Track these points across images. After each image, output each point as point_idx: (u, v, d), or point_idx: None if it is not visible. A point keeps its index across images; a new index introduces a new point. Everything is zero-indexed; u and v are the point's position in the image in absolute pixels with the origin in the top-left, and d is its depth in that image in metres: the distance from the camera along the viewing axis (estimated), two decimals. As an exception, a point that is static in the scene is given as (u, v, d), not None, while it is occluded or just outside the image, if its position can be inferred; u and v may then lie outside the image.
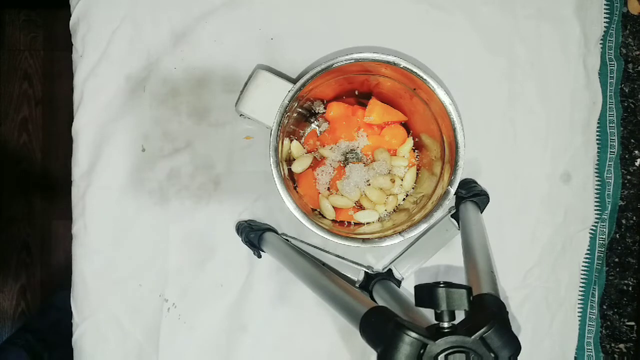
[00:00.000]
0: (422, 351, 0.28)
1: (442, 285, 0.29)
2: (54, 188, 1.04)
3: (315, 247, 0.53)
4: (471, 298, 0.29)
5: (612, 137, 0.56)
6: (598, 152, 0.56)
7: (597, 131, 0.56)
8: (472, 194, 0.50)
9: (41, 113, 1.04)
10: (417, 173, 0.52)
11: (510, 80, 0.55)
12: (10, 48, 1.04)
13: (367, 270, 0.52)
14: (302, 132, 0.53)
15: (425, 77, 0.45)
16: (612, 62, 0.56)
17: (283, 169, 0.47)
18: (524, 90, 0.55)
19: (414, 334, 0.28)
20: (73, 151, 0.54)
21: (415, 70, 0.45)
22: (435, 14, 0.55)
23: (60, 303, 0.87)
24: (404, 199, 0.52)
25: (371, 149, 0.51)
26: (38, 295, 1.04)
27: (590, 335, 0.56)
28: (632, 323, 0.58)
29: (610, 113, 0.56)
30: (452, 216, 0.52)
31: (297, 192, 0.51)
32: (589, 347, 0.56)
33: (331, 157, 0.51)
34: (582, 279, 0.55)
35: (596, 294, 0.56)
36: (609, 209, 0.56)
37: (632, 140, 0.58)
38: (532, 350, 0.55)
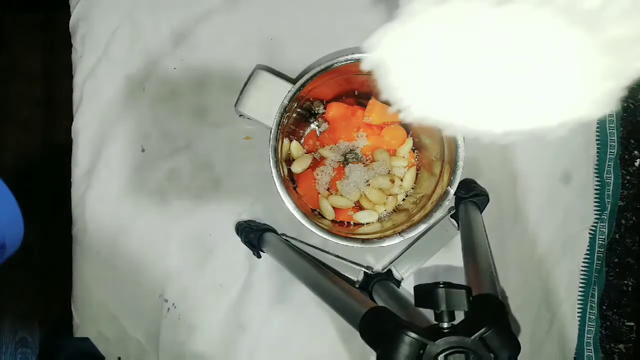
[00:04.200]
0: (421, 351, 0.28)
1: (441, 285, 0.29)
2: (53, 188, 1.04)
3: (314, 247, 0.53)
4: (471, 298, 0.29)
5: (611, 137, 0.56)
6: (598, 152, 0.56)
7: (597, 131, 0.56)
8: (472, 194, 0.50)
9: (41, 113, 1.04)
10: (416, 173, 0.52)
11: (510, 80, 0.55)
12: (10, 48, 1.04)
13: (366, 271, 0.52)
14: (301, 132, 0.53)
15: (425, 77, 0.45)
16: (612, 62, 0.56)
17: (283, 169, 0.47)
18: (524, 91, 0.55)
19: (413, 334, 0.28)
20: (73, 151, 0.54)
21: (415, 70, 0.45)
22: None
23: None
24: (404, 199, 0.52)
25: (371, 149, 0.51)
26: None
27: (590, 335, 0.56)
28: (632, 323, 0.57)
29: (610, 113, 0.56)
30: (451, 216, 0.52)
31: (296, 192, 0.51)
32: (588, 347, 0.56)
33: (331, 158, 0.51)
34: (581, 279, 0.55)
35: (596, 294, 0.56)
36: (609, 209, 0.56)
37: (632, 141, 0.58)
38: (531, 351, 0.55)
